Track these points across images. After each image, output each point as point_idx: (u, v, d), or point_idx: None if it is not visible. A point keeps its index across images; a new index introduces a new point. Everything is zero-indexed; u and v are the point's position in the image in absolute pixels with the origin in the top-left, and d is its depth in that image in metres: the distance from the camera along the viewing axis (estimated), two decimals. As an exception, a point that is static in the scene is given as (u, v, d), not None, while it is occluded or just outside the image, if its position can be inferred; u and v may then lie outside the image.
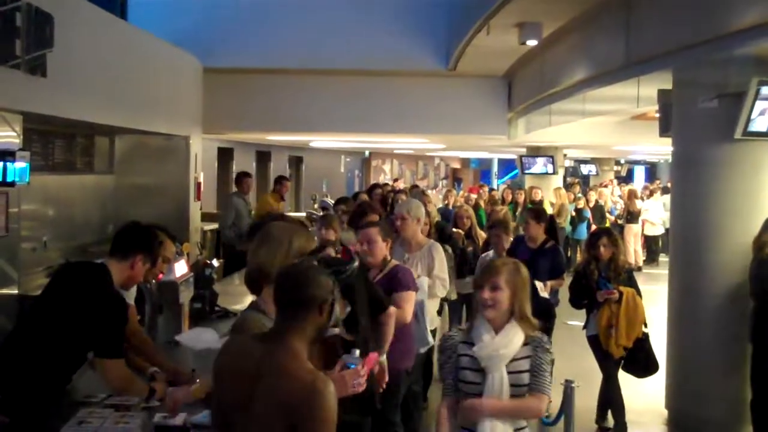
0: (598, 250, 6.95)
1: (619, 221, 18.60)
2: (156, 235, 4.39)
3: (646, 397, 7.60)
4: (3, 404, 3.72)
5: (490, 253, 7.86)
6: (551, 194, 17.71)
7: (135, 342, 4.49)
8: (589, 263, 7.09)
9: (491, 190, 20.20)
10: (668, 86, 7.69)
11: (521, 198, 16.92)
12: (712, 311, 7.12)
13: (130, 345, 4.33)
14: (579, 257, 17.35)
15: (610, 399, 7.05)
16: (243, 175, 12.45)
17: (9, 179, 6.84)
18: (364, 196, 11.01)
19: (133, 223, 4.37)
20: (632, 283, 6.94)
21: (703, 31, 6.08)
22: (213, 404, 3.09)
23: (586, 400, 6.67)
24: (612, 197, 20.87)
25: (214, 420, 3.08)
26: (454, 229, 8.61)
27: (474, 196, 18.12)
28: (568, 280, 7.46)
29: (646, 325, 6.88)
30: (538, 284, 7.02)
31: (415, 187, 17.54)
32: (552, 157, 18.79)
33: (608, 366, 6.98)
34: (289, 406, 2.78)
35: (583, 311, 7.25)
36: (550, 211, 16.98)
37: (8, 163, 6.84)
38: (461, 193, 20.96)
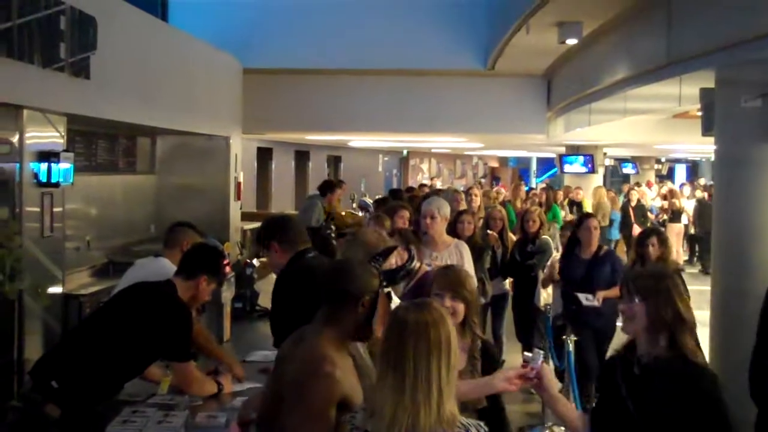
0: (647, 249, 6.87)
1: (663, 219, 18.38)
2: (222, 256, 4.60)
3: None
4: (58, 394, 3.79)
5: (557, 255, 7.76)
6: (590, 194, 17.58)
7: (200, 341, 4.72)
8: (635, 263, 7.02)
9: (530, 189, 20.00)
10: (711, 85, 7.58)
11: (560, 198, 16.75)
12: (757, 313, 6.99)
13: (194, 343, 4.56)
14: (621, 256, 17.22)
15: None
16: (336, 185, 12.39)
17: (54, 180, 6.95)
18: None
19: (201, 245, 4.63)
20: None
21: (747, 29, 5.99)
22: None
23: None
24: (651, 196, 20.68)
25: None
26: (487, 231, 8.56)
27: (504, 191, 18.00)
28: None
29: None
30: (582, 296, 6.89)
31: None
32: (591, 156, 18.64)
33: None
34: (290, 385, 2.88)
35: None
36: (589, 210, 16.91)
37: (53, 164, 6.95)
38: (494, 190, 20.84)
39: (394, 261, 4.06)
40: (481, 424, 2.53)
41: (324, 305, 2.99)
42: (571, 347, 6.37)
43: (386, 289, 3.02)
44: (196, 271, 4.29)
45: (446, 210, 6.61)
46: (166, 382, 4.21)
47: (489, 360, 3.77)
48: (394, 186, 25.64)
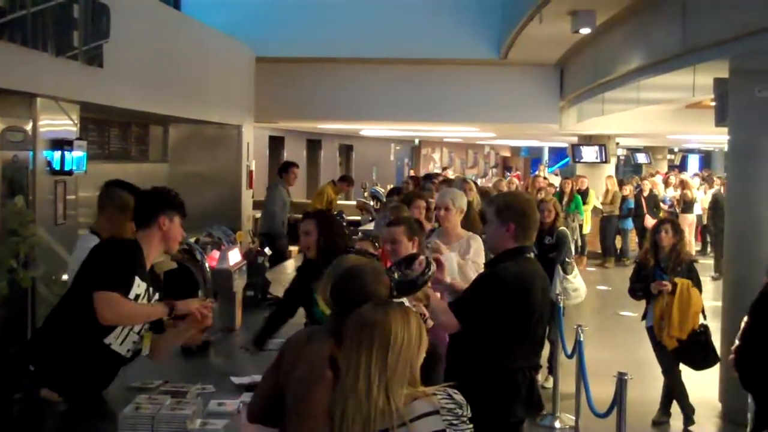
0: (660, 236, 6.82)
1: (676, 210, 18.30)
2: (166, 189, 4.30)
3: (700, 390, 7.51)
4: (37, 376, 3.69)
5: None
6: (602, 183, 17.55)
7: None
8: (647, 252, 6.99)
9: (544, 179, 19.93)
10: (725, 75, 7.55)
11: (568, 187, 16.55)
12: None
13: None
14: (633, 246, 17.19)
15: (672, 392, 6.95)
16: (290, 165, 11.78)
17: (67, 168, 7.00)
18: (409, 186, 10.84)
19: (139, 193, 4.36)
20: (692, 275, 6.82)
21: (761, 18, 5.96)
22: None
23: (639, 393, 6.60)
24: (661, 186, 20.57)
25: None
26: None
27: (517, 182, 17.95)
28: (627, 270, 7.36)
29: (705, 317, 6.78)
30: None
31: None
32: (604, 145, 18.58)
33: (664, 357, 6.89)
34: (295, 385, 2.85)
35: (638, 302, 7.18)
36: (596, 201, 16.93)
37: (66, 152, 7.00)
38: (507, 180, 20.80)
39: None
40: (455, 391, 2.60)
41: (332, 309, 2.95)
42: (582, 337, 6.35)
43: (399, 299, 2.91)
44: (151, 217, 3.99)
45: (462, 202, 6.40)
46: (146, 338, 3.98)
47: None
48: (406, 175, 25.62)
